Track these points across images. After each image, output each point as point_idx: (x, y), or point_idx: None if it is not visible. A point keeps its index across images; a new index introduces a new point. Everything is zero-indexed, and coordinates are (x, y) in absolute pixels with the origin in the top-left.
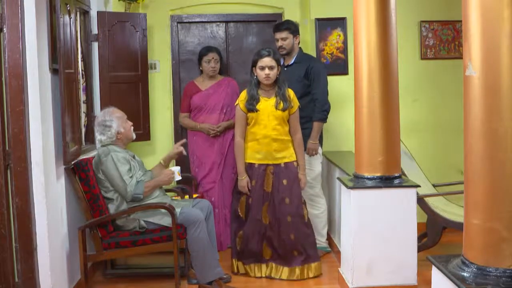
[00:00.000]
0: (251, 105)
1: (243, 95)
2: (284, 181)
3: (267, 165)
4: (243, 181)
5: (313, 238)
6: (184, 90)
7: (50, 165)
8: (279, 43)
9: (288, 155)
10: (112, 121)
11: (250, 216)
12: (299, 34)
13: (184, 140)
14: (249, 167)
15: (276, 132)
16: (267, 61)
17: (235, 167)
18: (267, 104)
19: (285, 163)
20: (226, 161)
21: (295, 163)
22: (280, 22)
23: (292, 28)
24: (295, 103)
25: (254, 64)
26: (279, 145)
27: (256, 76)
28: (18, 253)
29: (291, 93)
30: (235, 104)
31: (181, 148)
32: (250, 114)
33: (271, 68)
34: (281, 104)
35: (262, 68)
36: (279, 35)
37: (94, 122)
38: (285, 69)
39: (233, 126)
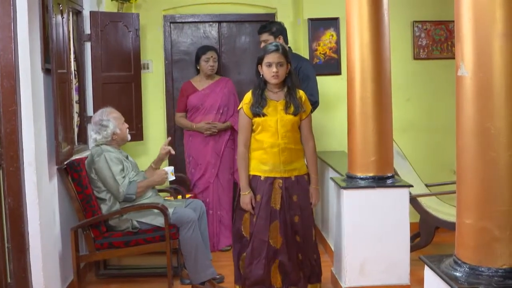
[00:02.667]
0: (257, 109)
1: (248, 97)
2: (294, 197)
3: (275, 178)
4: (246, 196)
5: (319, 261)
6: (180, 90)
7: (43, 165)
8: (262, 45)
9: (299, 166)
10: (109, 121)
11: (254, 237)
12: (282, 34)
13: (169, 139)
14: (253, 180)
15: (286, 140)
16: (275, 56)
17: (232, 167)
18: (275, 108)
19: (296, 177)
20: (222, 162)
21: (306, 176)
22: (263, 24)
23: (273, 29)
24: (307, 106)
25: (259, 61)
26: (289, 155)
27: (262, 75)
28: (11, 253)
29: (302, 95)
30: (238, 108)
31: (168, 148)
32: (255, 119)
33: (279, 64)
34: (292, 108)
35: (269, 65)
36: (261, 37)
37: (90, 121)
38: None
39: (230, 127)
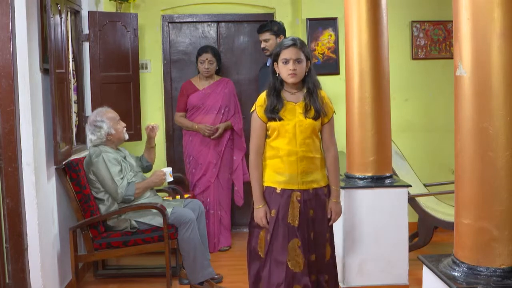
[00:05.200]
0: (273, 112)
1: (262, 98)
2: (310, 212)
3: (292, 190)
4: (260, 210)
5: (332, 284)
6: (180, 89)
7: (41, 165)
8: (262, 45)
9: (319, 178)
10: (103, 122)
11: (271, 258)
12: (283, 34)
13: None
14: (267, 192)
15: (306, 148)
16: (292, 52)
17: (231, 167)
18: (293, 111)
19: (314, 189)
20: (223, 161)
21: (325, 189)
22: (263, 24)
23: (274, 29)
24: (329, 109)
25: (275, 58)
26: (308, 165)
27: (279, 74)
28: (9, 253)
29: (324, 96)
30: (251, 110)
31: (151, 125)
32: (271, 124)
33: (298, 61)
34: (312, 111)
35: (286, 62)
36: (261, 36)
37: (87, 121)
38: None
39: (231, 127)
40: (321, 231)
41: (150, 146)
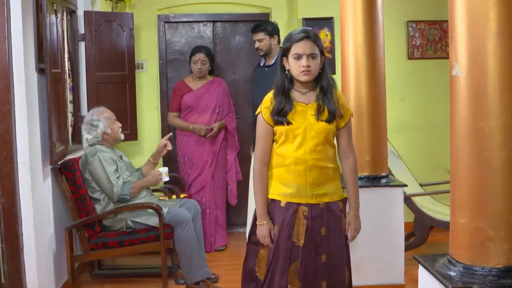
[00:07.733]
0: (280, 115)
1: (268, 99)
2: (323, 230)
3: (299, 204)
4: (264, 227)
5: None
6: (174, 89)
7: (37, 165)
8: (256, 45)
9: (332, 191)
10: (100, 121)
11: (269, 280)
12: (277, 34)
13: (170, 134)
14: (271, 206)
15: (317, 155)
16: (305, 46)
17: (226, 167)
18: (304, 113)
19: (326, 204)
20: (218, 160)
21: (340, 203)
22: (257, 24)
23: (269, 29)
24: (347, 111)
25: (285, 53)
26: (319, 175)
27: (288, 70)
28: (5, 253)
29: (340, 96)
30: (256, 113)
31: (166, 141)
32: (278, 128)
33: (312, 56)
34: (325, 113)
35: (298, 57)
36: (255, 36)
37: (83, 121)
38: (266, 69)
39: (225, 126)
40: (337, 253)
41: (155, 161)
